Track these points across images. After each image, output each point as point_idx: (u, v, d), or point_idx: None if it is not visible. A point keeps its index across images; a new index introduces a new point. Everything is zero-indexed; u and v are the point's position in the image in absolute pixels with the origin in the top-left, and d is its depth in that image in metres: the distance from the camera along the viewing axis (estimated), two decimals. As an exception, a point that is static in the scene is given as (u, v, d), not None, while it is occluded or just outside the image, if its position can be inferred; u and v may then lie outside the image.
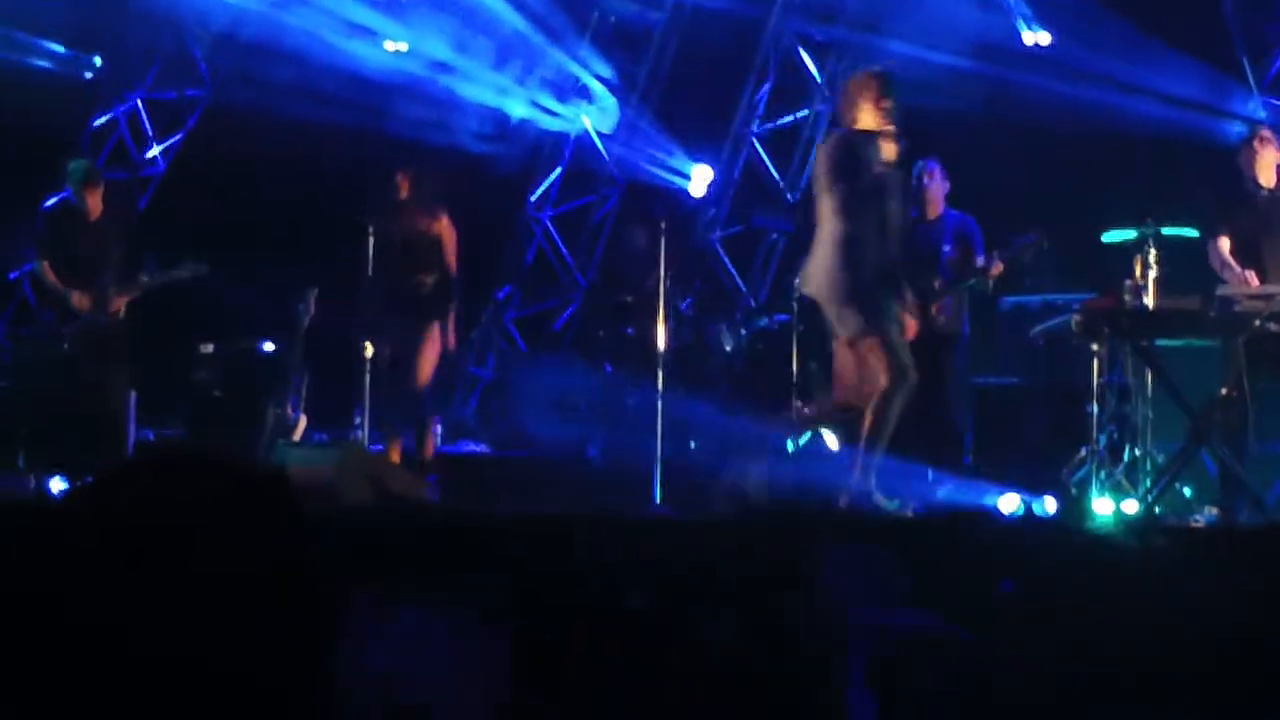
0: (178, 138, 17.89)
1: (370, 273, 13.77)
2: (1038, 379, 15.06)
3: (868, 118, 11.92)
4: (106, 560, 2.20)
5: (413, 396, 13.78)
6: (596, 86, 17.27)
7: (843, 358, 12.17)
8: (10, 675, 2.17)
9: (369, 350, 13.56)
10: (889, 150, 12.37)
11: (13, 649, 2.18)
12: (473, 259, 15.20)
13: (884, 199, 11.96)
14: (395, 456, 13.64)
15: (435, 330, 13.69)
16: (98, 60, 17.57)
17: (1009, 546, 11.34)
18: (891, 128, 11.99)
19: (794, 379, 14.82)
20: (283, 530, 2.36)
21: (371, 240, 13.84)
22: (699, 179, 17.14)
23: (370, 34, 16.84)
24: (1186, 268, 13.23)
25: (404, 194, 13.91)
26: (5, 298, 16.25)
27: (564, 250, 17.60)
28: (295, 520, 2.40)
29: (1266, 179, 13.46)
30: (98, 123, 17.70)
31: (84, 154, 16.82)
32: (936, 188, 14.48)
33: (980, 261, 14.22)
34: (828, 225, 11.98)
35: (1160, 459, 13.41)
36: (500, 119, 16.99)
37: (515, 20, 16.93)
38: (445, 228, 13.86)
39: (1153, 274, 13.11)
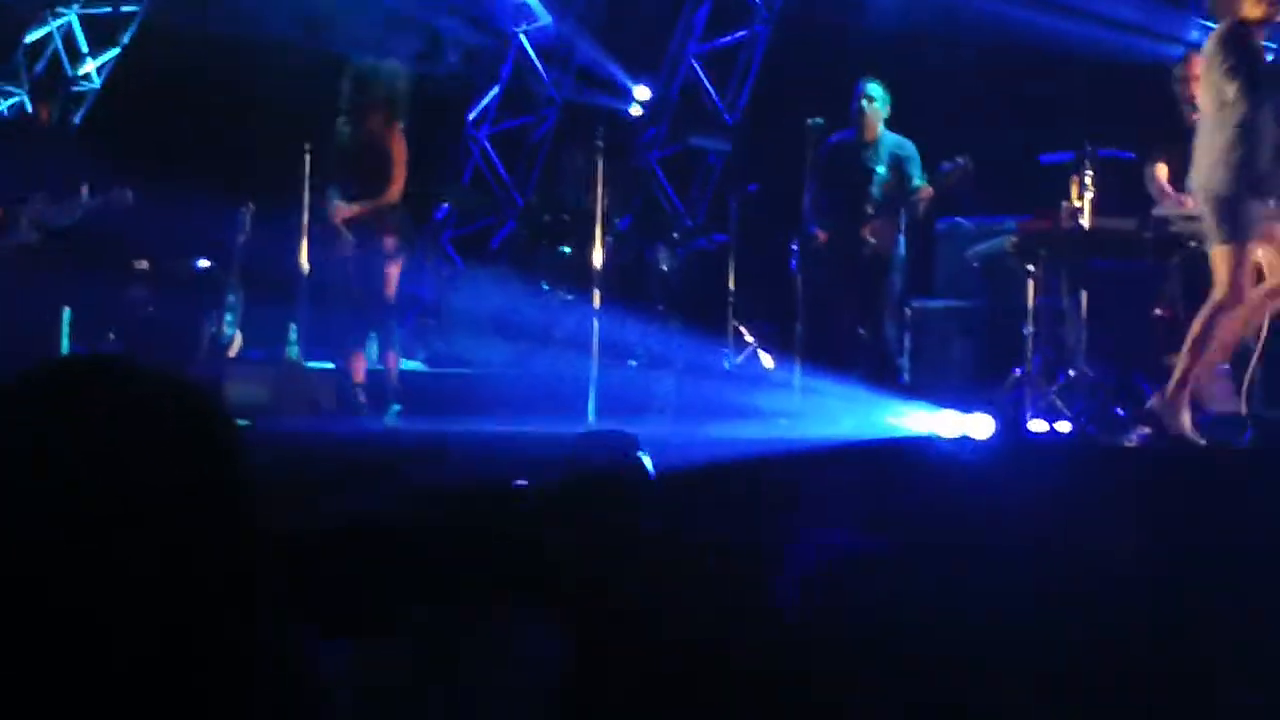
0: (114, 54, 17.74)
1: (315, 186, 13.58)
2: (973, 300, 15.07)
3: (1252, 7, 11.84)
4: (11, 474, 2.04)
5: (379, 309, 13.56)
6: (536, 4, 17.25)
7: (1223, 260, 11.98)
8: None
9: (305, 266, 13.48)
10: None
11: None
12: (415, 179, 15.18)
13: (1277, 88, 11.94)
14: (358, 375, 13.51)
15: (394, 240, 13.47)
16: None
17: (949, 470, 11.43)
18: (1277, 17, 11.97)
19: (731, 299, 14.80)
20: (214, 446, 2.19)
21: (308, 158, 13.62)
22: (638, 98, 17.13)
23: None
24: (1123, 190, 13.29)
25: (356, 99, 13.59)
26: None
27: (501, 169, 17.63)
28: (228, 436, 2.22)
29: (1193, 94, 13.40)
30: (30, 38, 17.53)
31: (19, 69, 16.91)
32: (874, 111, 14.37)
33: (917, 184, 14.22)
34: (1221, 116, 11.77)
35: (1094, 380, 13.37)
36: (440, 37, 16.95)
37: None
38: (397, 141, 13.60)
39: (1089, 196, 13.21)
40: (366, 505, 7.66)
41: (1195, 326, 11.63)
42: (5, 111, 15.50)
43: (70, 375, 2.16)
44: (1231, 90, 11.48)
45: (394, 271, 13.47)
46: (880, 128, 14.48)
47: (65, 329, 13.66)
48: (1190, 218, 12.96)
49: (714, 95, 17.68)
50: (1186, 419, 11.50)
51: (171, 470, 2.08)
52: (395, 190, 13.42)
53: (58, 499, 2.01)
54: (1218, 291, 11.63)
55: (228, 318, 14.43)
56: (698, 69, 17.75)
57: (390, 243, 13.32)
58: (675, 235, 15.92)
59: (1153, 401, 12.27)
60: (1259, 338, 12.82)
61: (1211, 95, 11.71)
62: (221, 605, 2.09)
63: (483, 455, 10.06)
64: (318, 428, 12.64)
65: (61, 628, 1.98)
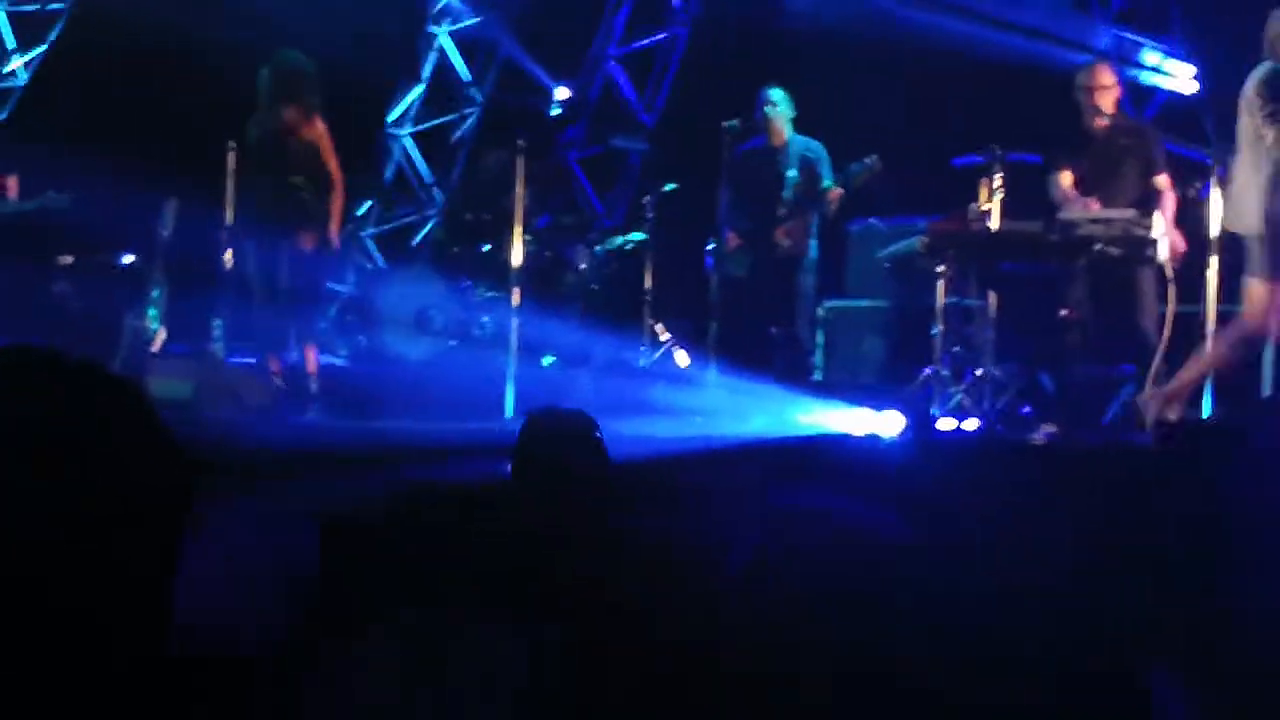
0: (41, 50, 17.71)
1: (240, 181, 13.65)
2: (884, 300, 15.15)
3: None
4: None
5: (299, 303, 13.56)
6: (459, 5, 17.31)
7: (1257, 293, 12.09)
8: None
9: (229, 261, 13.53)
10: None
11: None
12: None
13: None
14: (277, 370, 13.59)
15: (313, 236, 13.52)
16: None
17: (855, 470, 11.54)
18: None
19: (647, 297, 14.89)
20: (138, 437, 2.20)
21: (233, 154, 13.69)
22: (559, 99, 17.20)
23: None
24: (1031, 193, 13.42)
25: (274, 91, 13.56)
26: None
27: (421, 168, 17.61)
28: (150, 427, 2.23)
29: (1107, 108, 13.54)
30: None
31: None
32: (782, 115, 14.52)
33: (827, 185, 14.35)
34: (1256, 154, 11.84)
35: (1001, 379, 13.56)
36: (364, 36, 16.97)
37: None
38: (320, 132, 13.60)
39: (998, 198, 13.30)
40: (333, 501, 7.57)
41: (1219, 345, 12.04)
42: None
43: (4, 361, 2.24)
44: (1271, 134, 11.60)
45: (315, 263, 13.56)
46: (788, 132, 14.70)
47: None
48: (1096, 221, 13.12)
49: (633, 96, 17.76)
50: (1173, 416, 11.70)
51: (83, 451, 2.10)
52: (337, 181, 13.48)
53: None
54: (1250, 322, 11.90)
55: (151, 312, 14.41)
56: (617, 70, 17.83)
57: (310, 238, 13.37)
58: (593, 235, 16.01)
59: (1145, 395, 12.49)
60: (1162, 344, 13.03)
61: (1249, 134, 11.82)
62: (134, 587, 2.14)
63: (410, 450, 10.18)
64: (240, 421, 12.71)
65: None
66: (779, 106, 14.50)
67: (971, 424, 13.08)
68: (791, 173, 14.47)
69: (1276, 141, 11.53)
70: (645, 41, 17.84)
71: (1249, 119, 11.73)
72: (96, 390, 2.19)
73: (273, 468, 9.83)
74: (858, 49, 15.98)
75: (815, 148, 14.56)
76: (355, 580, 5.03)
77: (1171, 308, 12.95)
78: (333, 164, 13.61)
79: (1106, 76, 13.86)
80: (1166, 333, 12.86)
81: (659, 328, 14.84)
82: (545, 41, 17.41)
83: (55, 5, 17.62)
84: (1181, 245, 13.09)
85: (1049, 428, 12.83)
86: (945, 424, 13.04)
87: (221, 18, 15.92)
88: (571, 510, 5.94)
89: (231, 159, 13.78)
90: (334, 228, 13.46)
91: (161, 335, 14.46)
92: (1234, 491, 8.58)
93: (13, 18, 17.66)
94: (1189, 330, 12.99)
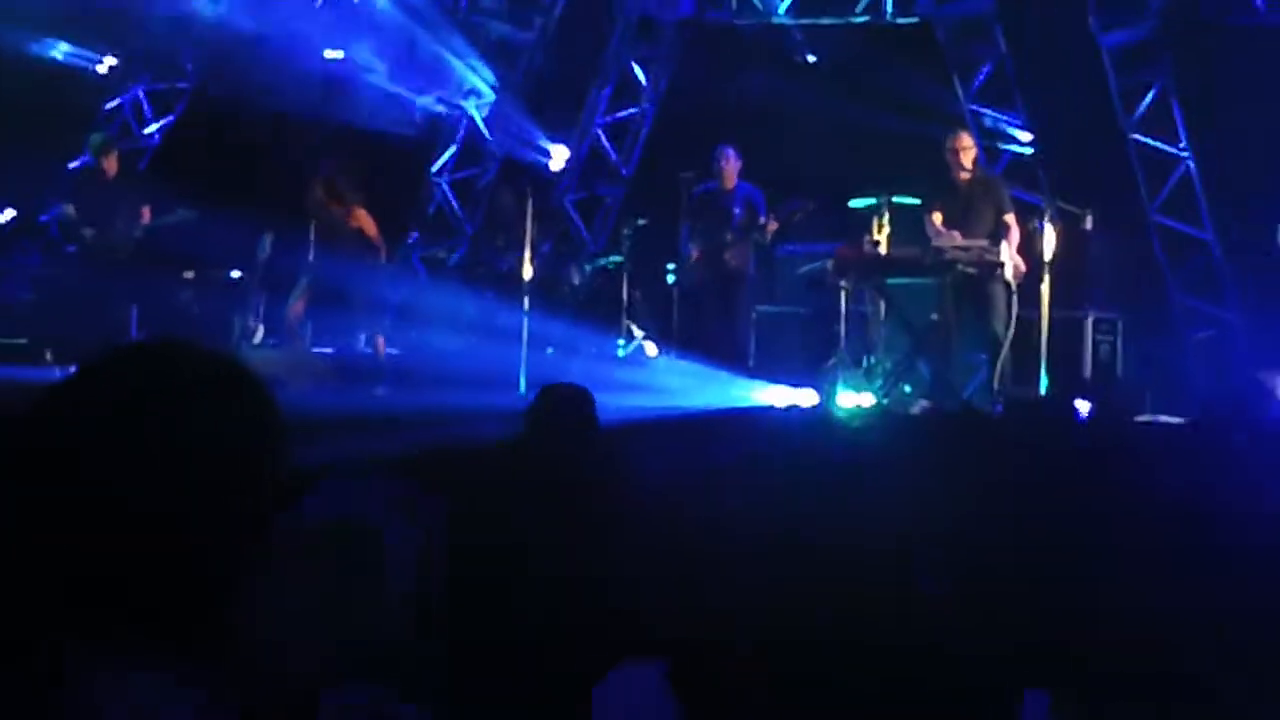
0: (169, 119, 17.67)
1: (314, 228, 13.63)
2: (802, 306, 14.95)
3: None
4: (96, 430, 1.99)
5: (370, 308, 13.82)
6: (483, 87, 17.22)
7: None
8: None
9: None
10: None
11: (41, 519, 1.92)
12: (393, 211, 15.13)
13: None
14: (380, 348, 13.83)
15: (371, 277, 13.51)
16: (111, 60, 17.32)
17: (779, 432, 11.66)
18: None
19: (624, 304, 14.76)
20: (253, 407, 2.12)
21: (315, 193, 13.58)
22: (557, 156, 17.02)
23: (313, 44, 16.69)
24: (911, 227, 13.39)
25: (320, 195, 13.53)
26: (38, 233, 16.15)
27: (456, 206, 17.37)
28: (261, 398, 2.14)
29: (967, 165, 13.50)
30: (109, 106, 17.44)
31: (101, 129, 16.70)
32: (731, 167, 14.37)
33: (762, 220, 14.28)
34: None
35: (889, 365, 13.55)
36: (416, 110, 16.92)
37: (425, 39, 16.92)
38: (362, 218, 13.53)
39: (886, 231, 13.31)
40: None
41: None
42: (87, 161, 15.50)
43: (152, 349, 2.17)
44: None
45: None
46: (735, 179, 14.43)
47: (134, 322, 13.75)
48: (959, 248, 13.05)
49: (613, 155, 17.62)
50: None
51: (220, 417, 2.05)
52: (380, 246, 13.65)
53: (140, 437, 1.97)
54: None
55: (252, 315, 14.50)
56: (601, 136, 17.64)
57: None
58: (582, 257, 15.91)
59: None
60: (1007, 340, 13.14)
61: None
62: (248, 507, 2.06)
63: (447, 414, 10.16)
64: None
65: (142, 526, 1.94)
66: (731, 160, 14.37)
67: (866, 399, 13.07)
68: (737, 210, 14.31)
69: None
70: (622, 114, 17.55)
71: None
72: (220, 367, 2.12)
73: (345, 427, 9.84)
74: (785, 119, 15.82)
75: (756, 193, 14.43)
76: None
77: (1014, 313, 13.06)
78: (373, 234, 13.61)
79: (966, 140, 13.78)
80: (1010, 332, 12.96)
81: (633, 327, 14.74)
82: (548, 113, 17.27)
83: (181, 85, 17.58)
84: (1023, 267, 13.09)
85: (924, 402, 12.92)
86: (846, 400, 13.04)
87: (314, 93, 15.90)
88: (565, 458, 5.88)
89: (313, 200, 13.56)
90: (383, 256, 13.63)
91: (260, 332, 14.47)
92: (1059, 450, 8.63)
93: (150, 95, 17.57)
94: (1027, 330, 13.01)
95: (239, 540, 2.03)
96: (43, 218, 16.10)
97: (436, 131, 17.13)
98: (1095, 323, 14.03)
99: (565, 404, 6.16)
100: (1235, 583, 5.07)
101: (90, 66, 17.39)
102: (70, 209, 14.80)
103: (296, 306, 13.57)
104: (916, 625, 3.73)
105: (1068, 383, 13.10)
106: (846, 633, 3.65)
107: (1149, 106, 16.15)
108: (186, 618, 1.98)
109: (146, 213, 14.38)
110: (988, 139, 15.82)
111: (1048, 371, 13.01)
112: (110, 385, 2.04)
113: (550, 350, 13.89)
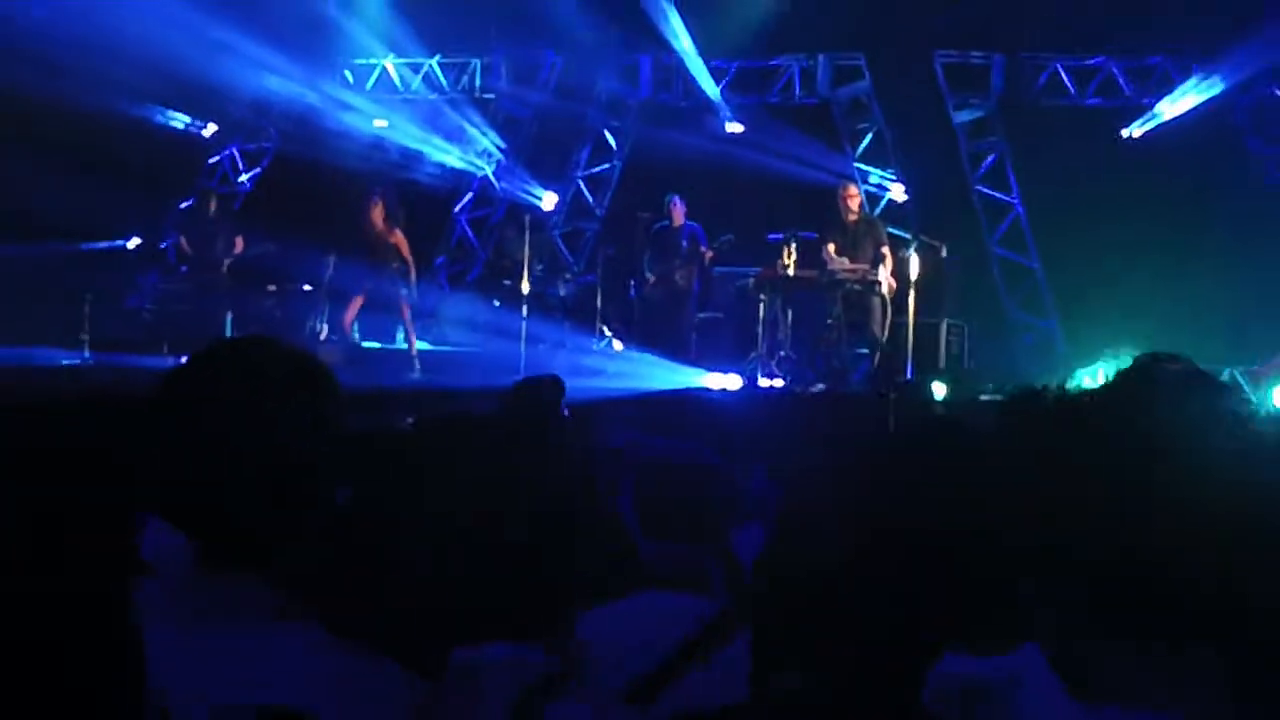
0: (257, 170, 17.59)
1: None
2: (731, 314, 14.85)
3: None
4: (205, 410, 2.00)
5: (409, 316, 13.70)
6: (493, 149, 17.04)
7: None
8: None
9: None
10: None
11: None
12: (425, 242, 15.07)
13: None
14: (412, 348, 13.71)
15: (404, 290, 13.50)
16: (214, 126, 17.28)
17: (712, 405, 11.54)
18: None
19: (598, 311, 14.68)
20: (320, 383, 2.08)
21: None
22: (548, 200, 16.91)
23: (365, 114, 16.73)
24: (811, 254, 13.41)
25: (372, 217, 13.41)
26: (158, 256, 16.10)
27: (473, 237, 17.20)
28: (328, 379, 2.11)
29: (854, 208, 13.52)
30: (211, 160, 17.38)
31: (207, 179, 16.87)
32: (678, 210, 14.26)
33: (703, 249, 14.20)
34: None
35: (794, 357, 13.49)
36: (442, 165, 16.87)
37: (449, 112, 16.88)
38: (399, 239, 13.43)
39: (793, 258, 13.32)
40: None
41: None
42: (196, 202, 15.56)
43: (244, 343, 2.18)
44: None
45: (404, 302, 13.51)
46: (682, 218, 14.21)
47: (229, 324, 13.71)
48: (847, 271, 13.13)
49: (590, 199, 17.44)
50: None
51: (294, 392, 2.03)
52: (411, 266, 13.56)
53: (238, 404, 1.99)
54: None
55: (319, 318, 14.41)
56: (582, 185, 17.47)
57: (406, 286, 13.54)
58: (568, 276, 15.80)
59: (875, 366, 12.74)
60: (883, 340, 13.15)
61: None
62: (312, 472, 2.03)
63: (462, 393, 10.14)
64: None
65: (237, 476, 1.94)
66: (679, 205, 14.26)
67: (778, 383, 13.12)
68: (684, 242, 14.20)
69: None
70: (597, 169, 17.39)
71: None
72: (294, 356, 2.12)
73: (388, 401, 9.75)
74: (719, 174, 15.47)
75: (698, 228, 14.25)
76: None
77: (889, 319, 13.15)
78: (408, 257, 13.45)
79: (854, 190, 13.80)
80: (885, 333, 13.12)
81: (605, 328, 14.61)
82: (542, 168, 17.10)
83: (266, 144, 17.46)
84: (895, 285, 13.15)
85: (820, 385, 12.97)
86: (764, 383, 13.08)
87: (360, 149, 15.85)
88: (537, 426, 5.62)
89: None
90: (413, 279, 13.53)
91: (325, 331, 14.35)
92: (921, 419, 8.47)
93: (242, 153, 17.44)
94: (898, 332, 13.07)
95: (302, 479, 2.00)
96: (161, 245, 16.03)
97: (459, 181, 16.92)
98: (948, 327, 13.95)
99: (540, 389, 6.04)
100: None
101: (198, 131, 17.27)
102: (182, 239, 14.84)
103: (349, 313, 13.54)
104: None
105: (928, 371, 13.05)
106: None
107: (989, 166, 16.09)
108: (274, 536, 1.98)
109: (239, 242, 14.38)
110: (869, 189, 15.79)
111: (913, 363, 13.01)
112: (213, 368, 2.06)
113: (543, 345, 13.75)
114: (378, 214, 13.44)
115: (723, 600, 2.73)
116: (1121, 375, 1.58)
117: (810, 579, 2.06)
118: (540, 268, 15.08)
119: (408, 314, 13.62)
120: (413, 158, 15.25)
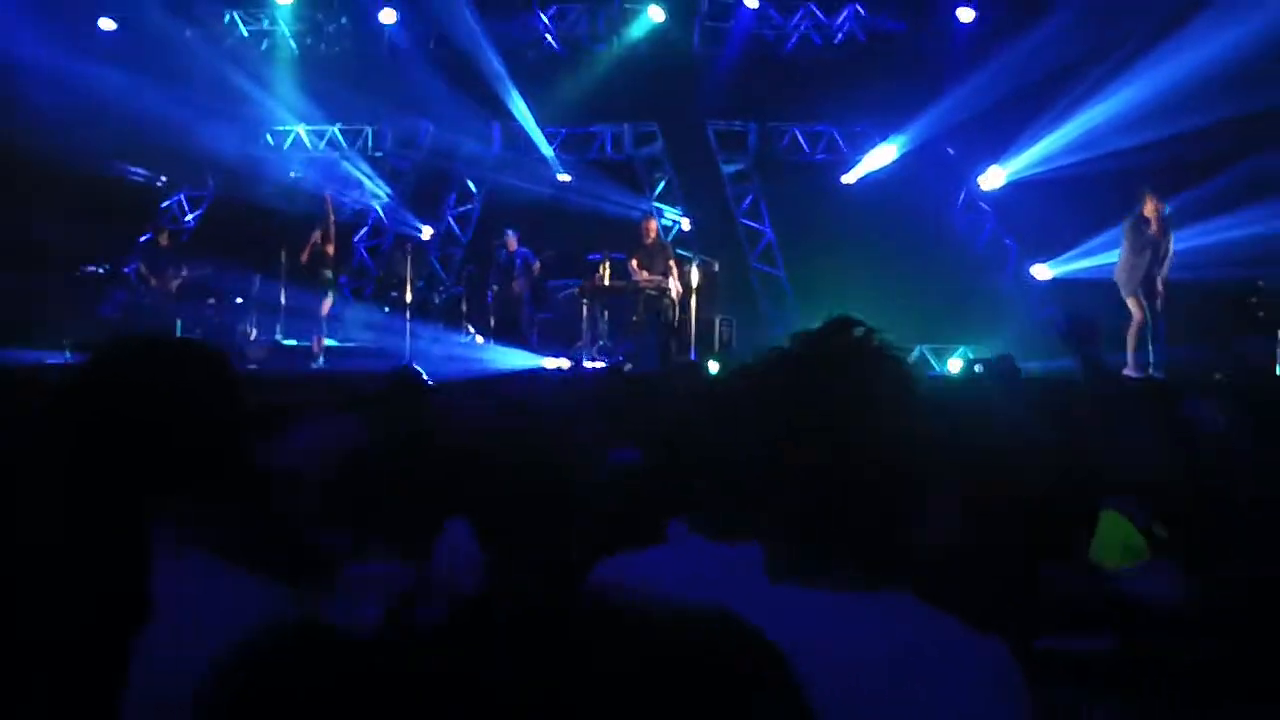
0: (199, 212, 17.11)
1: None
2: (560, 313, 14.59)
3: None
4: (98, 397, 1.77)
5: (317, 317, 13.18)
6: (382, 194, 16.41)
7: None
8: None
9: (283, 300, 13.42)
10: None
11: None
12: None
13: None
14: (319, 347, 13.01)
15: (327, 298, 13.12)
16: (164, 177, 16.70)
17: (549, 381, 11.78)
18: None
19: (464, 314, 14.45)
20: (222, 374, 1.88)
21: (283, 254, 13.15)
22: (426, 232, 16.37)
23: (284, 167, 16.16)
24: (620, 269, 13.28)
25: (317, 239, 12.87)
26: (121, 279, 15.81)
27: (369, 260, 16.62)
28: (228, 370, 1.91)
29: (652, 235, 13.47)
30: (164, 204, 17.02)
31: (160, 218, 16.54)
32: (513, 240, 14.13)
33: (533, 264, 14.16)
34: None
35: (610, 345, 13.47)
36: (343, 205, 15.85)
37: (349, 166, 16.37)
38: (332, 254, 13.03)
39: (608, 271, 13.34)
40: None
41: None
42: (151, 236, 15.27)
43: (144, 338, 2.02)
44: None
45: (327, 302, 13.10)
46: (515, 245, 14.03)
47: (179, 330, 13.08)
48: (648, 281, 13.02)
49: (458, 231, 16.68)
50: None
51: (199, 377, 1.86)
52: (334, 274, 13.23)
53: (149, 384, 1.79)
54: None
55: (249, 324, 13.97)
56: (451, 221, 16.94)
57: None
58: (441, 289, 14.94)
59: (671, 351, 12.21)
60: (674, 325, 13.59)
61: None
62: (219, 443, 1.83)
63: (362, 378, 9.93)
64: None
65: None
66: (511, 237, 14.14)
67: (599, 364, 12.81)
68: (518, 261, 14.08)
69: None
70: (462, 209, 16.94)
71: None
72: (197, 348, 1.98)
73: (302, 384, 9.61)
74: (552, 212, 15.26)
75: (528, 253, 14.15)
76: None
77: (676, 315, 13.12)
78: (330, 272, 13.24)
79: (653, 222, 13.68)
80: (675, 326, 12.94)
81: (470, 327, 14.34)
82: (421, 208, 16.41)
83: (205, 192, 16.99)
84: (680, 290, 13.15)
85: (630, 365, 13.11)
86: (588, 365, 12.79)
87: (276, 199, 15.09)
88: (407, 405, 5.14)
89: (283, 256, 13.07)
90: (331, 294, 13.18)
91: (254, 333, 13.93)
92: (699, 391, 8.46)
93: (188, 198, 16.78)
94: (685, 325, 13.01)
95: (211, 439, 1.81)
96: (124, 270, 15.88)
97: (358, 218, 16.74)
98: (720, 321, 13.97)
99: (407, 371, 5.94)
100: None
101: (154, 181, 16.88)
102: (142, 264, 14.74)
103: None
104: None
105: (706, 352, 12.99)
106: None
107: (749, 204, 16.14)
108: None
109: (184, 268, 14.25)
110: (664, 222, 15.63)
111: (695, 347, 13.06)
112: (122, 357, 1.88)
113: (423, 341, 13.25)
114: (319, 237, 12.98)
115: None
116: (816, 335, 1.50)
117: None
118: (420, 283, 14.99)
119: (326, 313, 13.25)
120: (320, 200, 15.16)
